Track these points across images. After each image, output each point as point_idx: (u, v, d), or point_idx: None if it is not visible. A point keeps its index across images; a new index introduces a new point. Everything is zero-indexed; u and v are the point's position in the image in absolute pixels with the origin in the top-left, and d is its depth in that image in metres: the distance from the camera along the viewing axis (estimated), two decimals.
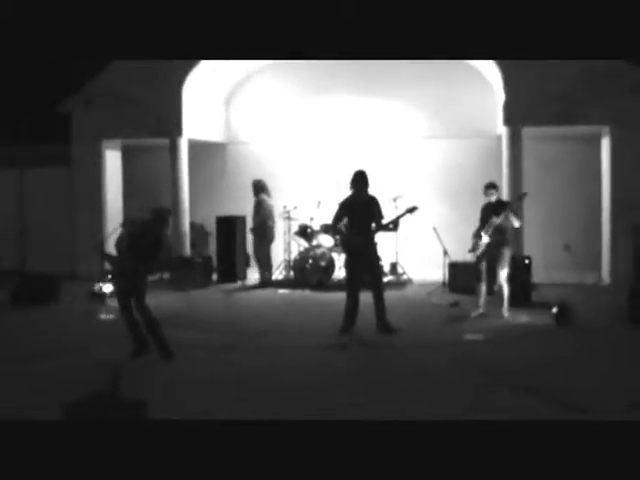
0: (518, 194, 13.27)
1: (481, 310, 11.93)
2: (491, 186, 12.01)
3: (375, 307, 10.81)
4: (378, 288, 10.87)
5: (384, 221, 10.95)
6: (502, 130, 15.46)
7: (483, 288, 11.95)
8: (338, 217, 11.05)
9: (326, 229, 14.80)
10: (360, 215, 10.80)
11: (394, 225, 11.08)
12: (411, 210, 11.08)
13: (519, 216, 12.20)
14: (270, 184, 16.57)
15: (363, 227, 10.79)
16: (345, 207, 10.98)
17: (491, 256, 11.76)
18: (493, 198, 11.93)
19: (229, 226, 16.14)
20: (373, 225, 10.82)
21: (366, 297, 10.92)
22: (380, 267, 11.25)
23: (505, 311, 11.87)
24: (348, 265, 11.14)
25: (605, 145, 15.42)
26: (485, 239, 11.65)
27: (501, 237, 11.71)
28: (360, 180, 10.88)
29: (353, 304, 10.83)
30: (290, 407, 7.42)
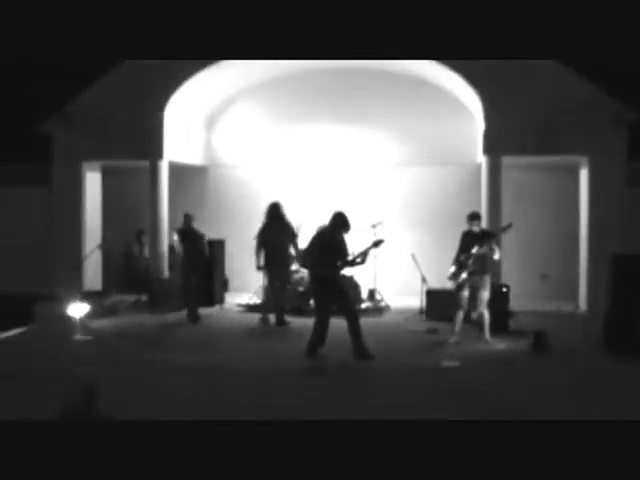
0: (502, 226, 13.25)
1: (457, 338, 11.93)
2: (475, 217, 12.03)
3: (350, 333, 10.83)
4: (351, 315, 10.92)
5: (351, 257, 11.13)
6: (482, 159, 15.55)
7: (461, 316, 11.96)
8: (309, 253, 11.30)
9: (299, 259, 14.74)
10: (328, 251, 10.97)
11: (362, 259, 11.12)
12: (377, 243, 11.20)
13: (500, 247, 12.22)
14: (250, 208, 16.67)
15: (330, 262, 10.95)
16: (316, 243, 11.21)
17: (472, 284, 11.78)
18: (476, 228, 11.96)
19: (208, 250, 16.06)
20: (339, 262, 11.00)
21: (343, 323, 10.93)
22: (348, 296, 11.32)
23: (487, 336, 11.89)
24: (316, 295, 11.39)
25: (584, 176, 15.52)
26: (466, 269, 11.69)
27: (482, 265, 11.74)
28: (335, 221, 11.09)
29: (320, 330, 10.92)
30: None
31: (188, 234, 14.33)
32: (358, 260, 11.12)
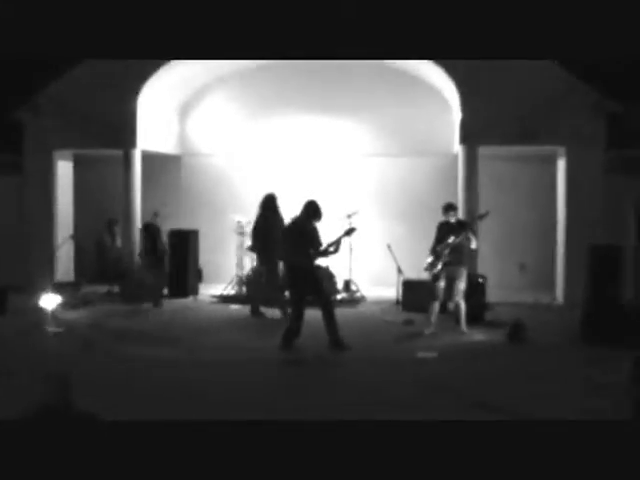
0: (479, 213, 13.21)
1: (433, 328, 11.85)
2: (450, 207, 11.99)
3: (325, 324, 10.75)
4: (326, 306, 10.84)
5: (324, 246, 11.02)
6: (458, 149, 15.46)
7: (436, 306, 11.89)
8: (283, 243, 11.39)
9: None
10: (301, 240, 10.89)
11: (335, 248, 11.01)
12: (349, 232, 11.20)
13: (477, 237, 12.15)
14: (224, 198, 16.58)
15: (303, 251, 10.85)
16: (290, 233, 11.25)
17: (449, 275, 11.71)
18: (452, 219, 11.90)
19: (182, 240, 15.91)
20: (311, 251, 10.90)
21: (318, 314, 10.83)
22: (323, 286, 11.27)
23: (464, 327, 11.82)
24: (291, 284, 11.25)
25: (561, 166, 15.47)
26: (442, 260, 11.61)
27: (459, 256, 11.67)
28: (307, 210, 11.03)
29: (295, 319, 10.85)
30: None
31: (147, 228, 15.38)
32: (331, 249, 11.02)
